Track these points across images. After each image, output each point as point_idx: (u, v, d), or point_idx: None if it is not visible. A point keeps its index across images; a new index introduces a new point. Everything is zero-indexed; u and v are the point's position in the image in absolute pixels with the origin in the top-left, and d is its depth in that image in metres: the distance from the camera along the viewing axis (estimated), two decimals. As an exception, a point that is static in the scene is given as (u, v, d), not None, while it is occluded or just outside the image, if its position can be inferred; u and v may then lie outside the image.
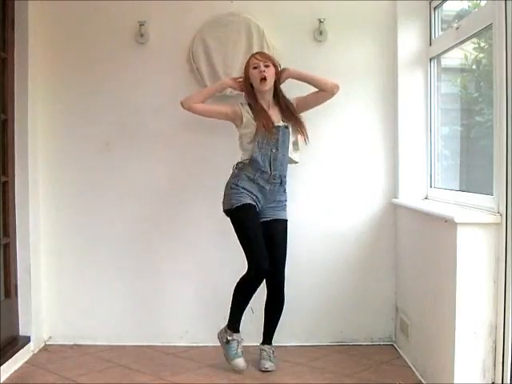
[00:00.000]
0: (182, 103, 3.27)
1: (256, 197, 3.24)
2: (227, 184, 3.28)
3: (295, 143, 3.34)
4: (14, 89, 3.45)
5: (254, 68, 3.22)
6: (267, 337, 3.37)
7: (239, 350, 3.24)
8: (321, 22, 3.63)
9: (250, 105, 3.29)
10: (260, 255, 3.13)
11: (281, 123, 3.26)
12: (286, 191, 3.34)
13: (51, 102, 3.70)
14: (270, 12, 3.66)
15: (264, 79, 3.20)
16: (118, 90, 3.70)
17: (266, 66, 3.22)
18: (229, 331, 3.26)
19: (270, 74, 3.22)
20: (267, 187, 3.24)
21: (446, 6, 3.53)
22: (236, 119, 3.28)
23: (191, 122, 3.61)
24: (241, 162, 3.27)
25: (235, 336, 3.25)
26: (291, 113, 3.29)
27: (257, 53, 3.33)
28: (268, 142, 3.22)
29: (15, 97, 3.45)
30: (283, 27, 3.66)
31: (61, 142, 3.73)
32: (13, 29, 3.42)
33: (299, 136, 3.33)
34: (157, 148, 3.71)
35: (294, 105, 3.32)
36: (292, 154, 3.32)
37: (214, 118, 3.34)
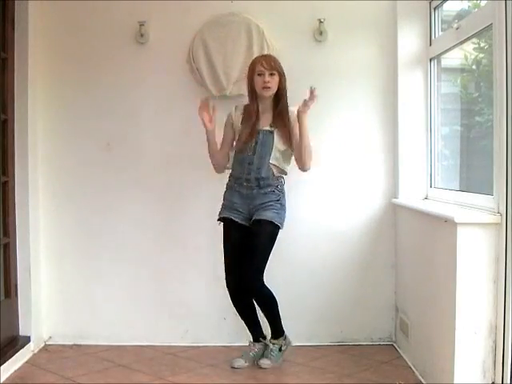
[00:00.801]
0: (216, 171, 3.34)
1: (236, 203, 3.24)
2: None
3: (284, 153, 3.26)
4: (14, 89, 3.45)
5: (259, 75, 3.19)
6: (271, 331, 3.36)
7: (246, 354, 3.31)
8: (321, 22, 3.63)
9: (244, 109, 3.29)
10: (229, 273, 3.23)
11: (266, 127, 3.23)
12: (278, 191, 3.23)
13: (51, 102, 3.70)
14: (270, 12, 3.66)
15: (267, 88, 3.18)
16: (118, 90, 3.70)
17: (271, 75, 3.19)
18: None
19: (274, 82, 3.20)
20: (244, 192, 3.22)
21: (446, 5, 3.53)
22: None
23: (191, 122, 3.61)
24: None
25: (250, 343, 3.37)
26: (282, 120, 3.22)
27: (263, 58, 3.25)
28: (245, 147, 3.22)
29: (15, 97, 3.45)
30: (283, 27, 3.66)
31: (61, 142, 3.73)
32: (13, 29, 3.42)
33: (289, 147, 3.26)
34: (157, 147, 3.71)
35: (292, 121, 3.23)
36: (279, 162, 3.23)
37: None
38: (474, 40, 3.16)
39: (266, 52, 3.57)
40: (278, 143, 3.21)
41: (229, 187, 3.30)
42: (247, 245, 3.20)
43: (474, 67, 3.50)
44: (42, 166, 3.69)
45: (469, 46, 3.26)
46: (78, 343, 3.71)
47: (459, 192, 3.21)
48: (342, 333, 3.74)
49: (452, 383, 2.60)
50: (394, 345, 3.70)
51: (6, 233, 3.42)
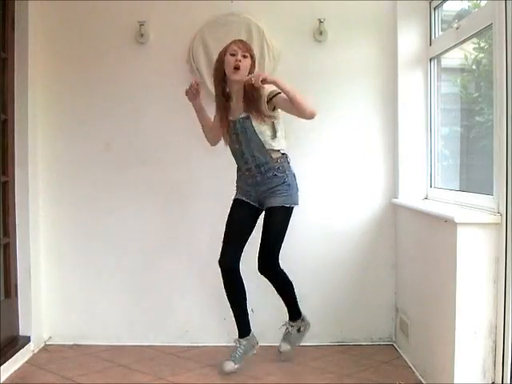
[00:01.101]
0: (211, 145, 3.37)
1: (247, 191, 3.24)
2: None
3: (270, 132, 3.13)
4: (14, 89, 3.45)
5: (231, 55, 3.13)
6: (288, 313, 3.37)
7: (234, 354, 3.25)
8: (321, 22, 3.63)
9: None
10: (224, 250, 3.21)
11: (242, 115, 3.14)
12: (281, 173, 3.15)
13: (51, 102, 3.70)
14: (270, 12, 3.66)
15: (237, 68, 3.10)
16: (118, 90, 3.70)
17: (244, 57, 3.13)
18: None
19: (245, 64, 3.12)
20: (249, 181, 3.22)
21: (446, 5, 3.53)
22: None
23: (191, 122, 3.61)
24: None
25: (236, 341, 3.30)
26: (252, 99, 3.08)
27: (239, 40, 3.22)
28: (230, 140, 3.21)
29: (15, 97, 3.45)
30: (283, 27, 3.66)
31: (61, 142, 3.73)
32: (13, 29, 3.42)
33: (275, 123, 3.14)
34: (157, 148, 3.71)
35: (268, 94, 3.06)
36: (269, 144, 3.12)
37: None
38: (474, 40, 3.16)
39: (266, 52, 3.58)
40: (258, 126, 3.12)
41: (237, 176, 3.30)
42: (263, 229, 3.19)
43: (474, 67, 3.50)
44: (42, 166, 3.69)
45: (469, 46, 3.26)
46: (78, 343, 3.71)
47: (459, 192, 3.21)
48: (341, 333, 3.74)
49: (452, 383, 2.60)
50: (394, 345, 3.70)
51: (6, 233, 3.42)
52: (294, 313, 3.38)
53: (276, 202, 3.15)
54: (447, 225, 2.68)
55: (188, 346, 3.69)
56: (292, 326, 3.38)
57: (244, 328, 3.32)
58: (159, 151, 3.71)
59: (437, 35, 3.53)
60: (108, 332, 3.72)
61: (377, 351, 3.61)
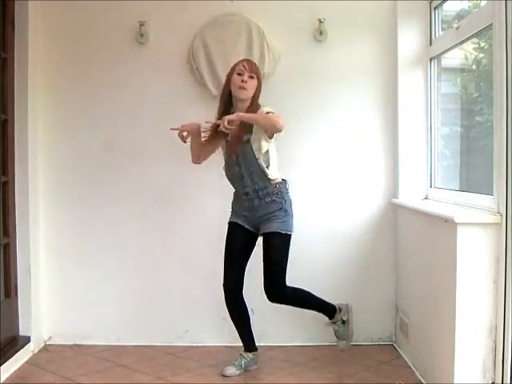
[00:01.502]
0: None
1: (243, 214, 3.21)
2: None
3: (265, 157, 3.10)
4: (14, 89, 3.44)
5: (238, 74, 3.12)
6: (324, 315, 3.32)
7: (238, 362, 3.25)
8: (321, 22, 3.63)
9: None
10: (227, 275, 3.23)
11: (244, 137, 3.10)
12: (279, 199, 3.12)
13: (51, 102, 3.69)
14: (269, 12, 3.66)
15: (242, 88, 3.10)
16: (118, 90, 3.70)
17: (251, 77, 3.11)
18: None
19: (251, 85, 3.11)
20: (246, 204, 3.19)
21: (446, 5, 3.53)
22: None
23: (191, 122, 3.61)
24: None
25: (242, 352, 3.30)
26: (250, 124, 3.05)
27: (246, 60, 3.20)
28: (231, 162, 3.17)
29: (15, 97, 3.45)
30: (283, 27, 3.66)
31: (61, 142, 3.73)
32: (13, 29, 3.42)
33: (270, 152, 3.11)
34: (157, 147, 3.71)
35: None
36: (266, 170, 3.09)
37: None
38: (474, 40, 3.17)
39: (266, 52, 3.58)
40: (256, 151, 3.09)
41: (234, 197, 3.28)
42: (262, 256, 3.16)
43: (474, 67, 3.50)
44: (42, 166, 3.69)
45: (469, 46, 3.26)
46: (78, 343, 3.71)
47: (459, 192, 3.21)
48: (342, 333, 3.74)
49: (452, 383, 2.60)
50: (394, 345, 3.70)
51: (6, 233, 3.42)
52: (328, 312, 3.32)
53: (271, 227, 3.12)
54: (447, 225, 2.67)
55: (188, 346, 3.69)
56: (334, 323, 3.32)
57: (250, 343, 3.31)
58: (159, 150, 3.70)
59: (437, 35, 3.53)
60: (108, 332, 3.72)
61: (377, 351, 3.61)
